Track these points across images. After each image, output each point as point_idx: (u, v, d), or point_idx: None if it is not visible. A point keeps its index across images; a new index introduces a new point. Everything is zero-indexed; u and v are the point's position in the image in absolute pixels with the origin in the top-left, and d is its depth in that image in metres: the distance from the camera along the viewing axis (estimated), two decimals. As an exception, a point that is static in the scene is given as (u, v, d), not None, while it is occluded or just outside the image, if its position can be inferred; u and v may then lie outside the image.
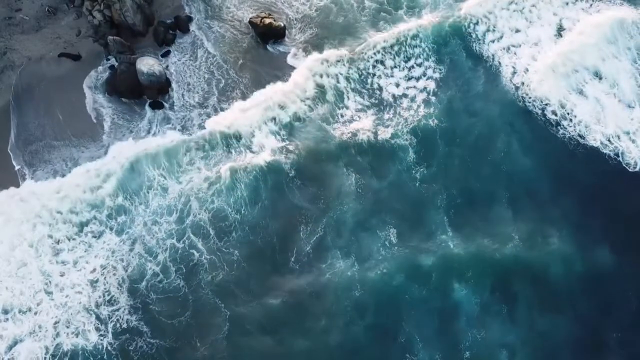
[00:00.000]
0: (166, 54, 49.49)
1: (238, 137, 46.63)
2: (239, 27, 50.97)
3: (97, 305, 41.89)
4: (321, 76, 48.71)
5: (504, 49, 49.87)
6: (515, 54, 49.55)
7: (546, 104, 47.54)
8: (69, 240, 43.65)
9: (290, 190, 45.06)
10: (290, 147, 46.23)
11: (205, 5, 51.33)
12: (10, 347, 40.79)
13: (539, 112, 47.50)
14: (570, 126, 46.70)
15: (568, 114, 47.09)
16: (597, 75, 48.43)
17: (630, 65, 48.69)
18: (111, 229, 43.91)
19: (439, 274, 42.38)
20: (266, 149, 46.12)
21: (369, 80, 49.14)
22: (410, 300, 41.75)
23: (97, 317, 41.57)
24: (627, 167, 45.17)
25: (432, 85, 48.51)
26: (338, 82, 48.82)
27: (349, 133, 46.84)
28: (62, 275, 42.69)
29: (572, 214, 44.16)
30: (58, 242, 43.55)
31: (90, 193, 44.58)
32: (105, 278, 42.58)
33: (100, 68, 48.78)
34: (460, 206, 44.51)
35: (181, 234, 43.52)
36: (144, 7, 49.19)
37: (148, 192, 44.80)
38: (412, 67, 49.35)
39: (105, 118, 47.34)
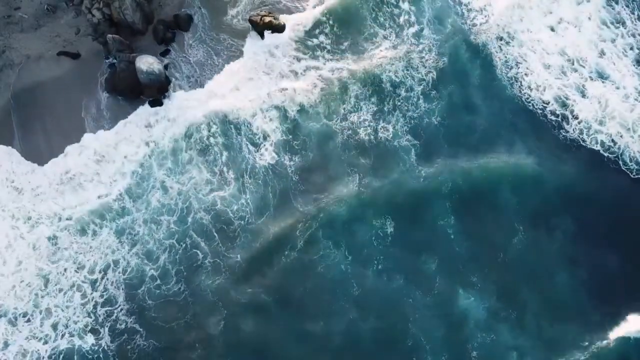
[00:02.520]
0: (166, 53, 49.19)
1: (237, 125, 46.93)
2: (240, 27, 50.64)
3: (96, 306, 42.18)
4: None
5: (501, 42, 49.56)
6: (514, 48, 49.27)
7: (546, 102, 47.32)
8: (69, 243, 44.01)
9: (291, 186, 45.38)
10: (290, 141, 46.67)
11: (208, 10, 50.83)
12: (6, 347, 41.16)
13: (539, 109, 47.24)
14: (571, 125, 46.50)
15: (571, 112, 46.86)
16: (599, 73, 48.22)
17: (631, 63, 48.44)
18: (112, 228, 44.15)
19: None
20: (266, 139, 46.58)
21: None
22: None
23: (96, 318, 41.88)
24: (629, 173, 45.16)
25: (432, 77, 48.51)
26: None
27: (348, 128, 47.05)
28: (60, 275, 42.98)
29: (576, 215, 44.29)
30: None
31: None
32: (104, 278, 42.79)
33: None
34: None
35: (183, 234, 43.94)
36: (144, 6, 48.84)
37: (151, 193, 45.03)
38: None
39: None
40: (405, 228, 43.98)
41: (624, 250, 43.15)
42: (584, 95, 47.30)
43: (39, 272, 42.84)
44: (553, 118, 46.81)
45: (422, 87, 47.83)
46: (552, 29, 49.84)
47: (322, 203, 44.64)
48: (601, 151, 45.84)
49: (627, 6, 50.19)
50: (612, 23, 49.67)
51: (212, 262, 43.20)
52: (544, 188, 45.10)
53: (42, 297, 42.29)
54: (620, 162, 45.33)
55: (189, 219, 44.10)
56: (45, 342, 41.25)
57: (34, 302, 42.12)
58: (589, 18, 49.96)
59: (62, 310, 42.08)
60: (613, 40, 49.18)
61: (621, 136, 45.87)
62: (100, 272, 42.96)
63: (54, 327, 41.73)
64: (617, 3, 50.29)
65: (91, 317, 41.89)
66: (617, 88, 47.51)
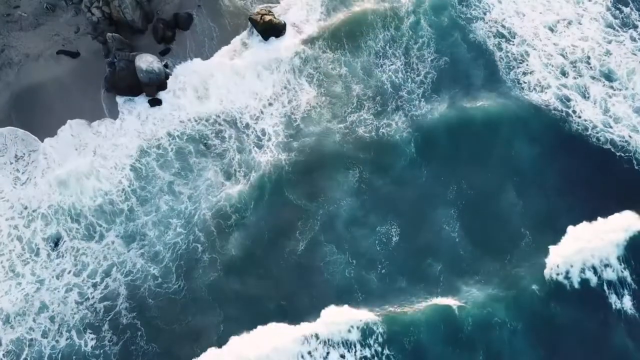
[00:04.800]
0: (165, 52, 48.95)
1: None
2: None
3: (95, 305, 41.94)
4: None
5: (502, 41, 49.14)
6: (515, 47, 48.84)
7: (548, 102, 46.83)
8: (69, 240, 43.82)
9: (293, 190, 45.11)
10: (295, 144, 46.36)
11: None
12: (6, 347, 40.97)
13: (541, 109, 46.75)
14: (575, 124, 45.99)
15: (574, 112, 46.36)
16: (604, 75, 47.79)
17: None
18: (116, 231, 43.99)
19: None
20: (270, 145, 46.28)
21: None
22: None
23: (95, 317, 41.64)
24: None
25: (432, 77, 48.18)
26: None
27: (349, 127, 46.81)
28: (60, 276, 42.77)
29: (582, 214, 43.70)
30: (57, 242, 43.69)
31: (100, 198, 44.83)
32: (105, 278, 42.59)
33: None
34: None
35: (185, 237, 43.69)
36: (143, 4, 48.70)
37: (157, 194, 44.83)
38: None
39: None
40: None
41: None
42: (586, 97, 46.76)
43: (36, 276, 42.66)
44: (557, 116, 46.29)
45: (422, 89, 47.60)
46: (553, 28, 49.41)
47: (323, 202, 44.40)
48: (612, 149, 45.18)
49: (638, 9, 49.72)
50: (619, 26, 49.19)
51: (212, 261, 42.84)
52: (547, 189, 44.64)
53: (36, 300, 42.19)
54: (634, 161, 44.91)
55: (195, 219, 43.96)
56: (45, 340, 41.15)
57: (29, 307, 42.03)
58: (594, 18, 49.57)
59: (58, 306, 41.99)
60: (620, 42, 48.64)
61: (630, 136, 45.35)
62: (102, 273, 42.80)
63: (55, 323, 41.64)
64: (625, 5, 49.86)
65: (92, 315, 41.70)
66: (626, 88, 46.99)
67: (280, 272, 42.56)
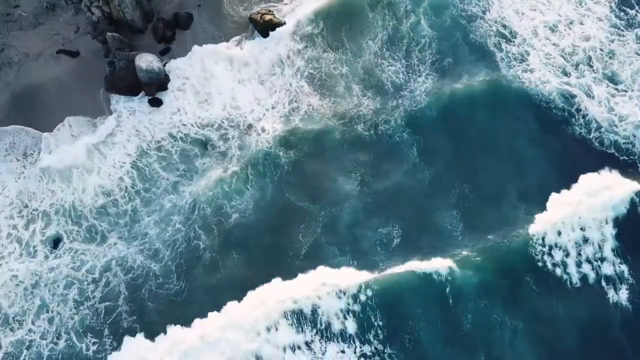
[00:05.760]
0: (165, 51, 48.82)
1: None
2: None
3: (95, 305, 41.58)
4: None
5: (503, 40, 48.95)
6: (515, 47, 48.63)
7: (550, 100, 46.48)
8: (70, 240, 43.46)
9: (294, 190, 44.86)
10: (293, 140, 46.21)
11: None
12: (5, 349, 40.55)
13: (544, 107, 46.44)
14: (578, 123, 45.67)
15: (578, 110, 46.01)
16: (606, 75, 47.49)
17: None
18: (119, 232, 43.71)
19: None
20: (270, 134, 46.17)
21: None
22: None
23: (95, 318, 41.24)
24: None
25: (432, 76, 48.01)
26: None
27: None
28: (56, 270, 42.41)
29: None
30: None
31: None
32: (105, 278, 42.21)
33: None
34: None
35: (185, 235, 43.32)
36: (143, 4, 48.68)
37: (162, 195, 44.55)
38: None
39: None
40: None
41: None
42: (591, 96, 46.40)
43: (32, 274, 42.33)
44: (559, 118, 45.94)
45: (425, 86, 47.38)
46: (555, 28, 49.16)
47: (324, 202, 44.14)
48: (616, 154, 44.94)
49: (645, 10, 49.66)
50: (623, 26, 48.93)
51: (212, 260, 42.49)
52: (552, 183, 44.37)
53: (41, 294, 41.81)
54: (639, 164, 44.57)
55: (194, 215, 43.72)
56: (44, 342, 40.69)
57: (29, 305, 41.62)
58: (598, 18, 49.34)
59: (59, 307, 41.58)
60: (624, 42, 48.34)
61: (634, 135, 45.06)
62: (101, 270, 42.42)
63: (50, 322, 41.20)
64: (630, 8, 49.63)
65: (92, 315, 41.33)
66: (628, 90, 46.64)
67: (282, 272, 42.15)
